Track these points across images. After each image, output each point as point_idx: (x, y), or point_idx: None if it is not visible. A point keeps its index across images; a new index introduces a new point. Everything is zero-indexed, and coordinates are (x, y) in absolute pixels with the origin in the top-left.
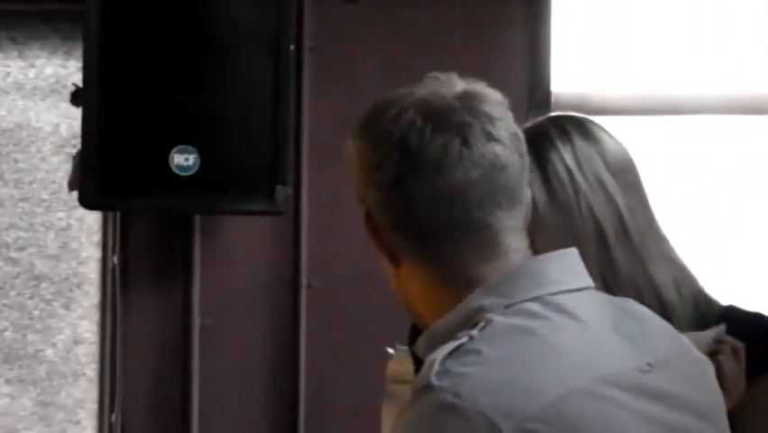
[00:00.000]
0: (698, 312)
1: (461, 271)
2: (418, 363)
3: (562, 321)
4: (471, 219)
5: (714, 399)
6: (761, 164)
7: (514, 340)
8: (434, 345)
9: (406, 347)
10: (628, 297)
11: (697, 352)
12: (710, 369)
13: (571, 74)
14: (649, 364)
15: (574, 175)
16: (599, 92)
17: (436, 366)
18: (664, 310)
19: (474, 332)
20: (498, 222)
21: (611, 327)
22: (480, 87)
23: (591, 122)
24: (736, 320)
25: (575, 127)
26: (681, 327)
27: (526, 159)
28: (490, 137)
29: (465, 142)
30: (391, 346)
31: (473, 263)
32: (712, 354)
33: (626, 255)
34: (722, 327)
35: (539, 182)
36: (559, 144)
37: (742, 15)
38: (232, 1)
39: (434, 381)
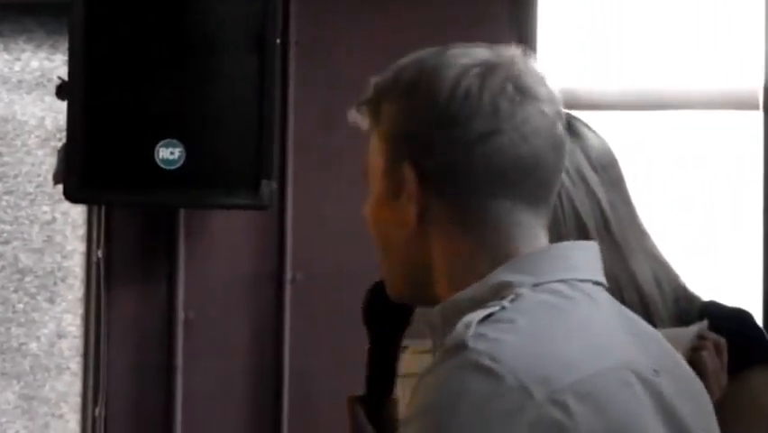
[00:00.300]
0: (678, 308)
1: (503, 243)
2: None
3: (589, 305)
4: (535, 196)
5: (709, 418)
6: (750, 160)
7: (545, 314)
8: (457, 316)
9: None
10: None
11: (686, 366)
12: (701, 385)
13: (558, 69)
14: (656, 370)
15: None
16: (587, 87)
17: (473, 328)
18: (645, 306)
19: (505, 303)
20: (546, 212)
21: (622, 326)
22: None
23: (574, 117)
24: (717, 316)
25: None
26: (662, 323)
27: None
28: (554, 114)
29: (543, 113)
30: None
31: (515, 240)
32: (695, 350)
33: (607, 250)
34: (704, 323)
35: None
36: None
37: (731, 10)
38: None
39: (470, 342)
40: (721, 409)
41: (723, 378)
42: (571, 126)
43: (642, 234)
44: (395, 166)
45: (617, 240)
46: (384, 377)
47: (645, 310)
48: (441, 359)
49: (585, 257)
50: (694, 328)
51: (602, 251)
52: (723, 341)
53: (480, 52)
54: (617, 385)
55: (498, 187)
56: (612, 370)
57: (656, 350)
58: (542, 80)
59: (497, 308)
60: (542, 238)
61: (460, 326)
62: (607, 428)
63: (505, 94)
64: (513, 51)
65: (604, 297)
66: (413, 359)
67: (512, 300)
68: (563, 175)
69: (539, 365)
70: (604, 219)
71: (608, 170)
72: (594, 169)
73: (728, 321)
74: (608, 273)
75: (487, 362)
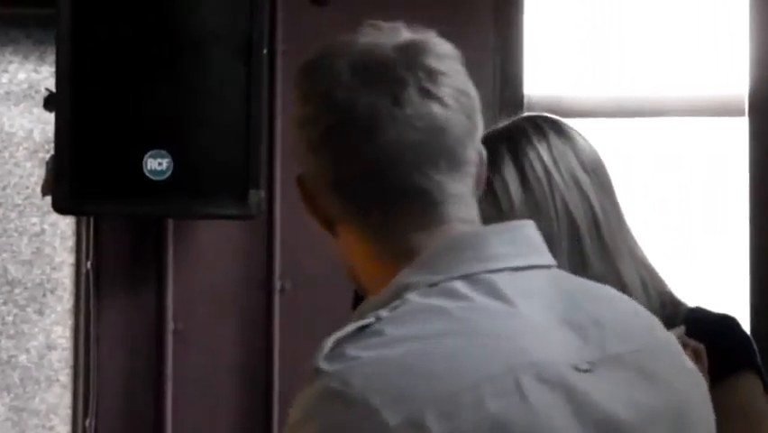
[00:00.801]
0: (664, 313)
1: (398, 241)
2: None
3: (488, 304)
4: (407, 184)
5: (676, 400)
6: (736, 166)
7: (424, 320)
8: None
9: None
10: None
11: (679, 353)
12: (696, 376)
13: (544, 76)
14: (590, 363)
15: (550, 172)
16: (572, 94)
17: (327, 348)
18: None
19: (384, 312)
20: (439, 188)
21: (559, 313)
22: (428, 38)
23: (564, 122)
24: (702, 321)
25: (551, 126)
26: None
27: (476, 119)
28: (428, 95)
29: (396, 100)
30: None
31: (412, 233)
32: None
33: (598, 254)
34: (682, 329)
35: (515, 178)
36: (535, 141)
37: (716, 16)
38: (205, 5)
39: (322, 365)
40: None
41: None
42: (564, 129)
43: (630, 239)
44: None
45: (606, 243)
46: None
47: None
48: (299, 387)
49: (506, 241)
50: (673, 334)
51: (593, 253)
52: (702, 347)
53: (356, 41)
54: (497, 395)
55: (367, 189)
56: (495, 378)
57: (614, 337)
58: (398, 43)
59: (371, 319)
60: (454, 223)
61: (319, 347)
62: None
63: (341, 83)
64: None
65: (534, 282)
66: None
67: (393, 308)
68: (556, 175)
69: (399, 383)
70: (595, 222)
71: (599, 173)
72: (586, 171)
73: (714, 327)
74: (597, 276)
75: (337, 386)
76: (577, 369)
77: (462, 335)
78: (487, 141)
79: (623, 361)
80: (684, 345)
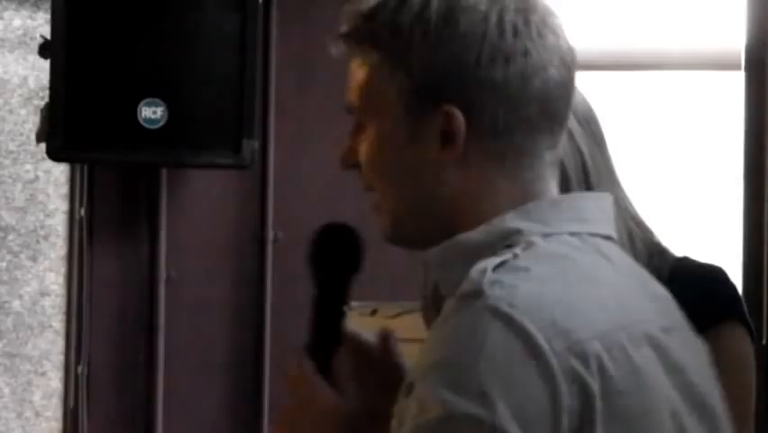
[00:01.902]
0: (651, 264)
1: (524, 183)
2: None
3: (600, 261)
4: (549, 127)
5: (711, 374)
6: (732, 120)
7: (559, 265)
8: (459, 258)
9: (357, 303)
10: None
11: (689, 325)
12: (702, 344)
13: None
14: (666, 328)
15: None
16: None
17: (488, 275)
18: None
19: (518, 250)
20: (557, 146)
21: (635, 283)
22: None
23: None
24: (689, 271)
25: None
26: None
27: None
28: (560, 56)
29: (559, 41)
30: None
31: (538, 181)
32: None
33: None
34: None
35: None
36: None
37: None
38: None
39: (486, 288)
40: None
41: None
42: None
43: (619, 191)
44: (427, 105)
45: None
46: (332, 327)
47: None
48: (454, 308)
49: (597, 209)
50: None
51: None
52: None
53: None
54: (629, 343)
55: (547, 121)
56: (624, 328)
57: (667, 307)
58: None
59: (509, 255)
60: (554, 180)
61: (474, 272)
62: (620, 383)
63: (547, 27)
64: None
65: (616, 252)
66: (362, 322)
67: (524, 248)
68: None
69: (557, 316)
70: (585, 172)
71: (591, 124)
72: (579, 122)
73: (701, 277)
74: None
75: (506, 308)
76: (664, 331)
77: (590, 284)
78: None
79: (675, 334)
80: None
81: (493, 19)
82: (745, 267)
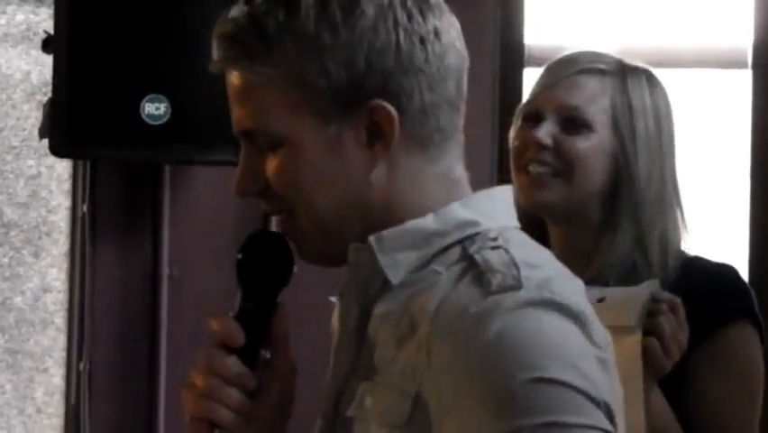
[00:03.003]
0: (662, 261)
1: (448, 172)
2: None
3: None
4: (460, 105)
5: None
6: (739, 119)
7: (544, 257)
8: (407, 247)
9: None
10: None
11: None
12: None
13: (545, 26)
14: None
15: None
16: (573, 45)
17: (522, 268)
18: (644, 252)
19: (501, 243)
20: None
21: None
22: None
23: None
24: (700, 270)
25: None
26: (651, 272)
27: None
28: (458, 34)
29: (451, 18)
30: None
31: (456, 170)
32: (651, 315)
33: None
34: (655, 282)
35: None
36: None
37: None
38: None
39: (524, 281)
40: (701, 366)
41: (683, 338)
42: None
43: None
44: (348, 107)
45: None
46: (257, 330)
47: (645, 258)
48: (495, 301)
49: (509, 203)
50: (646, 289)
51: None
52: (677, 300)
53: None
54: None
55: (458, 99)
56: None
57: None
58: None
59: (502, 249)
60: (461, 163)
61: (498, 264)
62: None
63: (441, 6)
64: None
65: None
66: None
67: (506, 241)
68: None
69: (580, 303)
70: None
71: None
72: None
73: (712, 276)
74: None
75: (547, 294)
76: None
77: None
78: None
79: None
80: (659, 302)
81: (397, 3)
82: (752, 265)
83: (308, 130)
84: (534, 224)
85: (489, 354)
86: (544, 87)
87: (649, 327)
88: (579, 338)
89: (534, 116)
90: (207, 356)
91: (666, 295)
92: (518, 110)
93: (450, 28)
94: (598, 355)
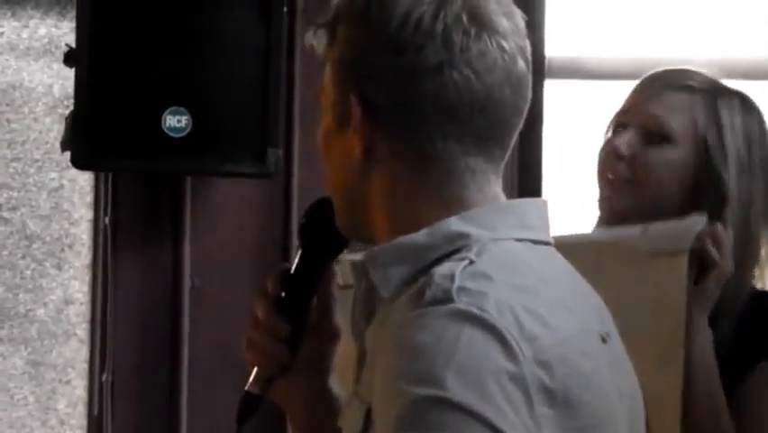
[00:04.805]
0: (728, 290)
1: (453, 188)
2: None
3: (547, 268)
4: (487, 137)
5: (636, 385)
6: None
7: (518, 272)
8: (400, 260)
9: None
10: None
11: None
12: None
13: (565, 38)
14: (606, 333)
15: None
16: (593, 56)
17: (457, 280)
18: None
19: (472, 256)
20: (501, 156)
21: (576, 289)
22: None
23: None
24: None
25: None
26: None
27: None
28: (523, 54)
29: (502, 50)
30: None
31: (465, 187)
32: (693, 252)
33: None
34: (703, 218)
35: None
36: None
37: None
38: None
39: (455, 294)
40: (756, 386)
41: (728, 262)
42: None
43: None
44: (342, 94)
45: None
46: (306, 293)
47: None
48: (419, 313)
49: (538, 215)
50: (693, 224)
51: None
52: (718, 227)
53: None
54: (584, 350)
55: (447, 125)
56: (580, 332)
57: (604, 312)
58: (506, 11)
59: (465, 261)
60: (493, 186)
61: (439, 278)
62: (579, 390)
63: (459, 25)
64: None
65: (558, 258)
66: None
67: (478, 254)
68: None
69: (525, 322)
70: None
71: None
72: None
73: None
74: None
75: (475, 311)
76: (603, 338)
77: (544, 290)
78: None
79: (612, 337)
80: (700, 238)
81: (401, 10)
82: None
83: (328, 106)
84: None
85: (400, 364)
86: (634, 100)
87: (699, 255)
88: (496, 355)
89: (621, 127)
90: (254, 303)
91: (708, 228)
92: (610, 121)
93: (450, 50)
94: (517, 374)
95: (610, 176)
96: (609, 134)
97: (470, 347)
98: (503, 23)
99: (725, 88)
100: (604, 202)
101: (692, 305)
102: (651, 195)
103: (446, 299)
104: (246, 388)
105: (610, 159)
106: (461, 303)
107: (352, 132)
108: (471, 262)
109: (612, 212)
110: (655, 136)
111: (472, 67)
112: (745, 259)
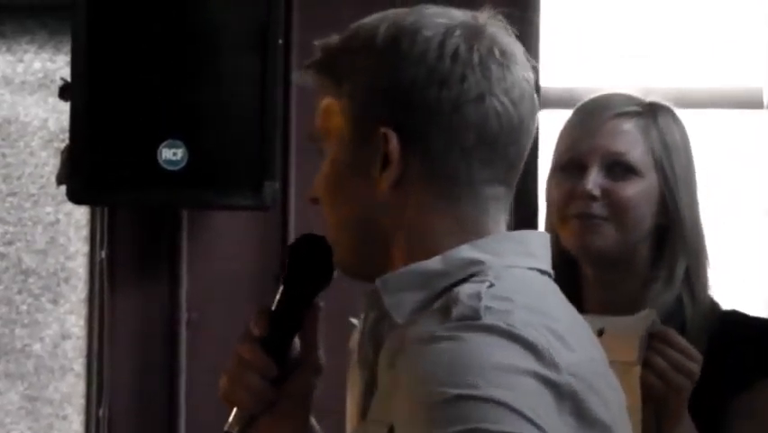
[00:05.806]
0: (699, 314)
1: (478, 218)
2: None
3: (553, 296)
4: (513, 165)
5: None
6: (755, 159)
7: (535, 296)
8: (414, 285)
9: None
10: None
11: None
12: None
13: (560, 69)
14: (608, 360)
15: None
16: (588, 87)
17: (483, 300)
18: (691, 294)
19: (491, 279)
20: (515, 184)
21: (576, 317)
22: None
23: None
24: (741, 325)
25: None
26: (696, 310)
27: None
28: (533, 84)
29: (527, 81)
30: (355, 318)
31: (486, 215)
32: (649, 348)
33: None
34: (653, 312)
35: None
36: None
37: (735, 8)
38: None
39: (482, 312)
40: (739, 415)
41: (689, 363)
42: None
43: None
44: (366, 128)
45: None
46: (290, 328)
47: (692, 299)
48: (452, 326)
49: (540, 245)
50: (644, 320)
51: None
52: (670, 331)
53: (456, 14)
54: (602, 374)
55: (486, 153)
56: (595, 360)
57: (596, 343)
58: (518, 46)
59: (485, 284)
60: (505, 215)
61: (464, 296)
62: (597, 410)
63: (492, 56)
64: (486, 15)
65: (557, 289)
66: None
67: (496, 278)
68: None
69: (549, 339)
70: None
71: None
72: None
73: (753, 331)
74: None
75: (506, 327)
76: (609, 362)
77: (560, 316)
78: None
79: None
80: (652, 335)
81: (435, 42)
82: None
83: (340, 143)
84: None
85: (426, 370)
86: (581, 135)
87: (648, 360)
88: (528, 361)
89: (575, 165)
90: (238, 345)
91: (660, 326)
92: (554, 160)
93: (489, 79)
94: (551, 379)
95: (584, 217)
96: (558, 176)
97: (503, 354)
98: (520, 55)
99: (657, 105)
100: (579, 241)
101: (663, 417)
102: (631, 229)
103: (475, 316)
104: (226, 428)
105: (578, 202)
106: (489, 320)
107: (379, 164)
108: (492, 285)
109: (597, 253)
110: (620, 171)
111: (509, 96)
112: (704, 278)
